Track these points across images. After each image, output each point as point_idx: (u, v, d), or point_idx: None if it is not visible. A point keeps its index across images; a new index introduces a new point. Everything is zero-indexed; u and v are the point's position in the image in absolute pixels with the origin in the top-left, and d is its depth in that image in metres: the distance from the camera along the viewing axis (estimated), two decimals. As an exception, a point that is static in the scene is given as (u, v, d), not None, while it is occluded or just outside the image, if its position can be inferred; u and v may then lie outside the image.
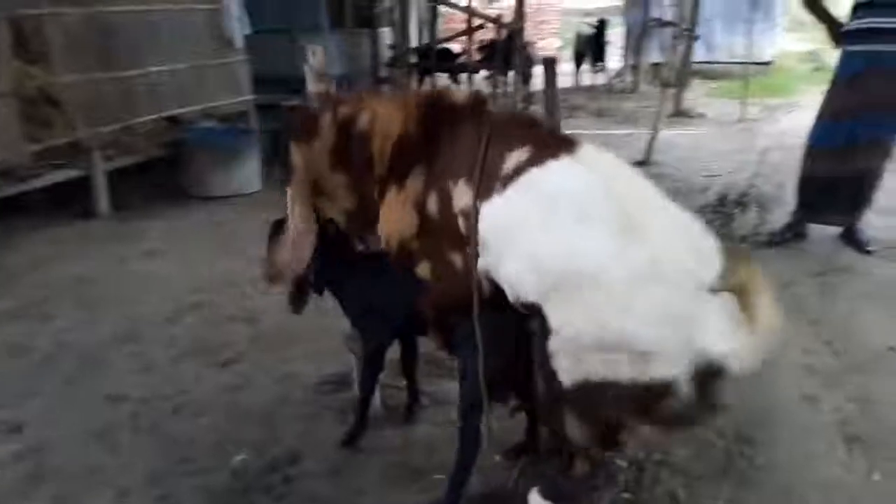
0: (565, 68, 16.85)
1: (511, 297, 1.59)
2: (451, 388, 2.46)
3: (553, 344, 1.48)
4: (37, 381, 2.71)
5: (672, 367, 1.35)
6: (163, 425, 2.39)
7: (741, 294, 1.33)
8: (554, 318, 1.47)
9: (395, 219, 1.82)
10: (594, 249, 1.41)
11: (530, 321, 1.59)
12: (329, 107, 1.94)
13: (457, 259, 1.73)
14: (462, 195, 1.66)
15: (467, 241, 1.66)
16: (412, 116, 1.81)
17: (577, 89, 12.19)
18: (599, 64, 12.51)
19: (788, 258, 3.70)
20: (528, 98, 9.54)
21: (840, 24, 3.68)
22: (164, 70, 5.76)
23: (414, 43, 11.00)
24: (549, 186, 1.50)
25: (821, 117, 3.75)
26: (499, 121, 1.72)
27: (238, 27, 6.60)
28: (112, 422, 2.42)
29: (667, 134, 6.76)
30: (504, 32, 10.50)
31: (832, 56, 3.93)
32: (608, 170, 1.55)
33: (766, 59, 11.39)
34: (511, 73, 11.46)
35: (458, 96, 1.87)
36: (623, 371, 1.38)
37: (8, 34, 4.26)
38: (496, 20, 10.21)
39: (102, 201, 5.12)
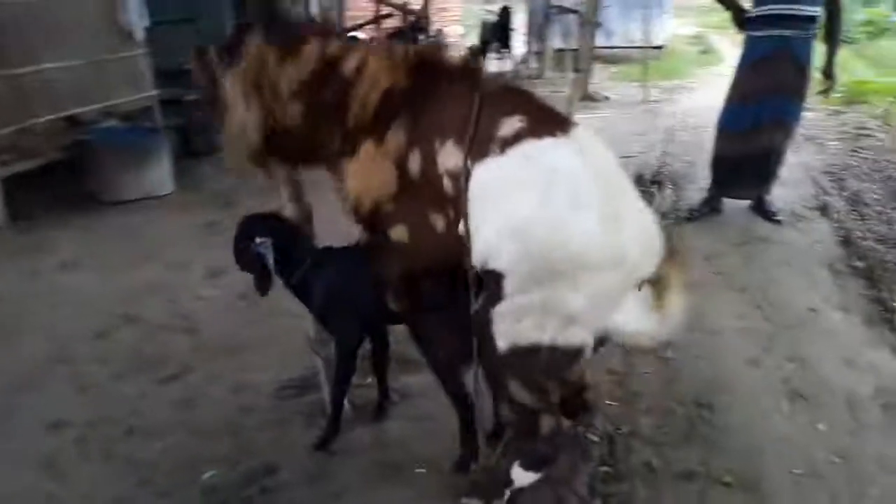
0: (470, 55, 17.03)
1: (475, 260, 1.61)
2: (418, 382, 2.49)
3: (500, 308, 1.55)
4: (-43, 416, 2.47)
5: (587, 337, 1.55)
6: (116, 449, 2.24)
7: (659, 286, 1.53)
8: (511, 285, 1.53)
9: (370, 175, 1.71)
10: (582, 234, 1.47)
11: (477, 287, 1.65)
12: (319, 38, 1.79)
13: (438, 221, 1.68)
14: (450, 155, 1.61)
15: (451, 203, 1.63)
16: (402, 70, 1.73)
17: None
18: (505, 51, 12.72)
19: (709, 231, 3.94)
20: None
21: (744, 10, 3.93)
22: (59, 66, 5.33)
23: (320, 32, 10.72)
24: (548, 162, 1.51)
25: (729, 101, 3.99)
26: (491, 86, 1.68)
27: (137, 19, 6.21)
28: (58, 450, 2.24)
29: (577, 118, 6.99)
30: (409, 20, 10.50)
31: (717, 40, 4.19)
32: (599, 154, 1.59)
33: (659, 43, 11.98)
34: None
35: (450, 57, 1.79)
36: (547, 335, 1.53)
37: None
38: (404, 8, 10.18)
39: (1, 211, 4.69)
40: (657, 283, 1.53)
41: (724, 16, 4.16)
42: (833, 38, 3.78)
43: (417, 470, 2.07)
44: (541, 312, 1.53)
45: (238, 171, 1.93)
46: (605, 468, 2.03)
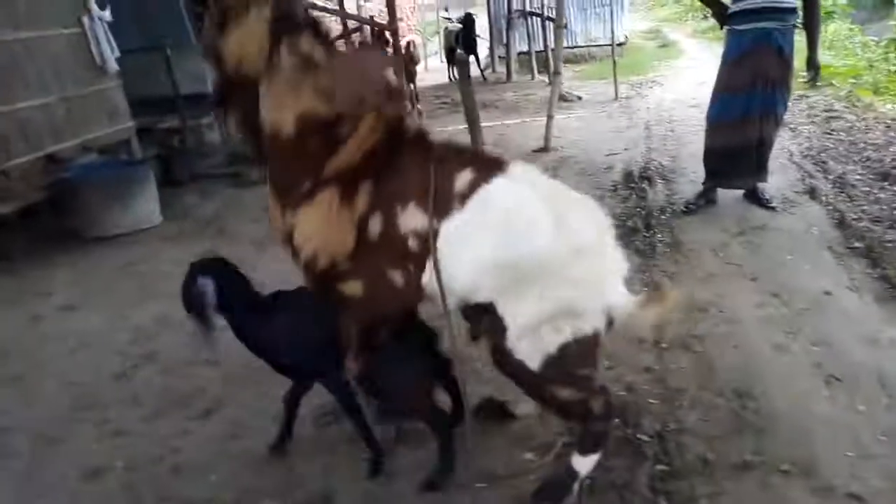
0: (435, 64, 17.14)
1: (458, 301, 1.83)
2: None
3: (511, 336, 1.76)
4: (-14, 476, 2.38)
5: (596, 319, 1.76)
6: (168, 490, 2.20)
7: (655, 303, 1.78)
8: (509, 311, 1.75)
9: (330, 233, 1.78)
10: (540, 245, 1.69)
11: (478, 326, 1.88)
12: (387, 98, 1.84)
13: (396, 276, 1.81)
14: (412, 217, 1.76)
15: (414, 259, 1.79)
16: (381, 134, 1.81)
17: (453, 85, 12.44)
18: (471, 57, 12.83)
19: (709, 223, 4.03)
20: (415, 97, 9.60)
21: (725, 6, 4.05)
22: (34, 105, 5.20)
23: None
24: (500, 199, 1.73)
25: (717, 92, 4.09)
26: (439, 149, 1.85)
27: (108, 50, 6.09)
28: (105, 498, 2.19)
29: (555, 119, 7.08)
30: (376, 34, 10.50)
31: (672, 33, 4.27)
32: (534, 180, 1.82)
33: (620, 40, 12.20)
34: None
35: (409, 127, 1.89)
36: (567, 332, 1.74)
37: None
38: (371, 22, 10.17)
39: (-16, 256, 4.55)
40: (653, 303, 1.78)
41: (676, 9, 4.25)
42: (812, 27, 3.91)
43: (478, 485, 2.08)
44: (550, 319, 1.73)
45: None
46: (661, 467, 2.07)
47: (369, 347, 1.95)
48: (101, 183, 5.13)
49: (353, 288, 1.83)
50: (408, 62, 9.24)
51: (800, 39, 3.91)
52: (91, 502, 2.19)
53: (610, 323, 1.80)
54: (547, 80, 10.74)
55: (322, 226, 1.77)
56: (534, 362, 1.76)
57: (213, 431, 2.49)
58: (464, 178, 1.75)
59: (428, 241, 1.75)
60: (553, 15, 9.60)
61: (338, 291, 1.85)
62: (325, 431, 2.44)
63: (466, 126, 4.55)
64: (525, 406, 2.31)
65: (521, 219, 1.71)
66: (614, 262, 1.79)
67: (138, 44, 7.25)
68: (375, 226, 1.77)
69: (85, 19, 5.85)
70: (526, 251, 1.69)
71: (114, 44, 6.27)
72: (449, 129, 8.24)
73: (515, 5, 12.36)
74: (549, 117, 6.65)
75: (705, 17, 19.46)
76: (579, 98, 9.17)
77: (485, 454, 2.20)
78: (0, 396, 2.91)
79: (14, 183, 4.99)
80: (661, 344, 2.74)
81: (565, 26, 9.87)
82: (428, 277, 1.80)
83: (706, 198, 4.29)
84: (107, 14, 6.09)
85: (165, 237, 5.02)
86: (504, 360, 1.80)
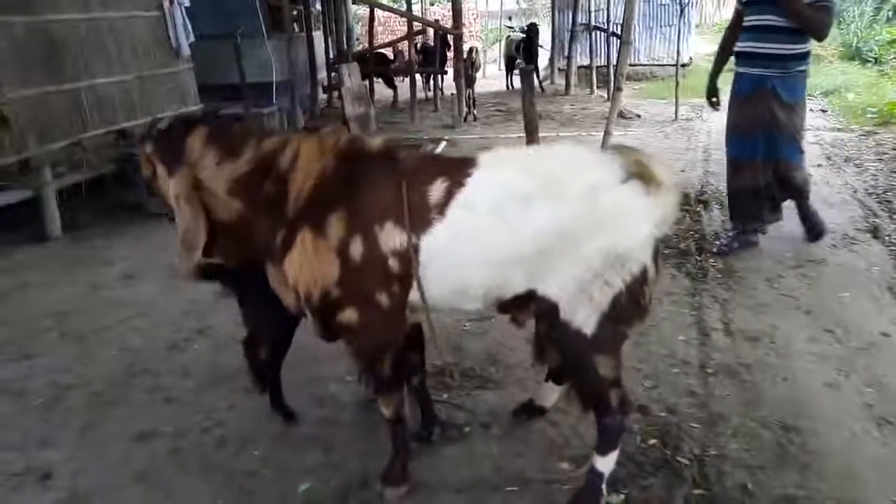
0: (493, 71, 17.19)
1: (486, 303, 1.85)
2: (500, 401, 2.52)
3: (565, 309, 1.74)
4: (47, 427, 2.51)
5: (642, 256, 1.73)
6: (211, 460, 2.28)
7: (642, 174, 1.72)
8: (552, 290, 1.75)
9: (316, 268, 1.79)
10: (546, 214, 1.67)
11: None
12: (254, 136, 1.91)
13: (383, 298, 1.82)
14: (391, 236, 1.76)
15: (397, 279, 1.80)
16: (331, 157, 1.84)
17: (510, 93, 12.47)
18: (530, 67, 12.84)
19: (765, 253, 3.95)
20: (472, 102, 9.67)
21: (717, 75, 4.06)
22: (111, 81, 5.45)
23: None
24: (485, 196, 1.72)
25: (731, 130, 3.96)
26: (408, 163, 1.84)
27: (184, 35, 6.34)
28: (152, 461, 2.29)
29: (612, 136, 7.02)
30: (438, 37, 10.63)
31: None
32: (505, 159, 1.85)
33: (685, 60, 12.04)
34: (446, 76, 11.61)
35: (370, 143, 1.90)
36: (618, 281, 1.71)
37: (-49, 46, 3.91)
38: (436, 25, 10.30)
39: (55, 223, 4.79)
40: (641, 175, 1.72)
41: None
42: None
43: (508, 489, 2.10)
44: (595, 276, 1.71)
45: (190, 275, 1.98)
46: (699, 491, 2.05)
47: (377, 374, 1.97)
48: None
49: (349, 316, 1.84)
50: (468, 68, 9.31)
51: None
52: (140, 463, 2.28)
53: (656, 254, 1.77)
54: (606, 95, 10.68)
55: (304, 262, 1.80)
56: (589, 327, 1.74)
57: (258, 408, 2.56)
58: (437, 187, 1.76)
59: (410, 259, 1.76)
60: (618, 31, 9.55)
61: (337, 323, 1.87)
62: (368, 417, 2.49)
63: (522, 135, 4.57)
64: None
65: (514, 200, 1.69)
66: (630, 189, 1.70)
67: (211, 31, 7.52)
68: (357, 249, 1.77)
69: (165, 3, 6.09)
70: (536, 228, 1.67)
71: (189, 29, 6.52)
72: (502, 136, 8.27)
73: (581, 19, 12.32)
74: (607, 133, 6.58)
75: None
76: (638, 116, 9.09)
77: (519, 458, 2.22)
78: (64, 354, 3.06)
79: (87, 154, 5.24)
80: (707, 369, 2.71)
81: (631, 43, 9.83)
82: (415, 293, 1.82)
83: (740, 241, 4.00)
84: (185, 0, 6.34)
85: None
86: (563, 336, 1.78)
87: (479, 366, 2.80)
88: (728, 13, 28.25)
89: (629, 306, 1.76)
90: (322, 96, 10.66)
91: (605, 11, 11.39)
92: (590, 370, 1.83)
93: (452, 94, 9.40)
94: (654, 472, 2.14)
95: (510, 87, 12.95)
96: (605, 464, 1.95)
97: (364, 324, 1.85)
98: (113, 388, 2.76)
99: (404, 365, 2.10)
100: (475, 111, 9.62)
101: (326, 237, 1.77)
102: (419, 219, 1.75)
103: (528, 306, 1.86)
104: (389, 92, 11.46)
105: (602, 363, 1.81)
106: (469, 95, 9.50)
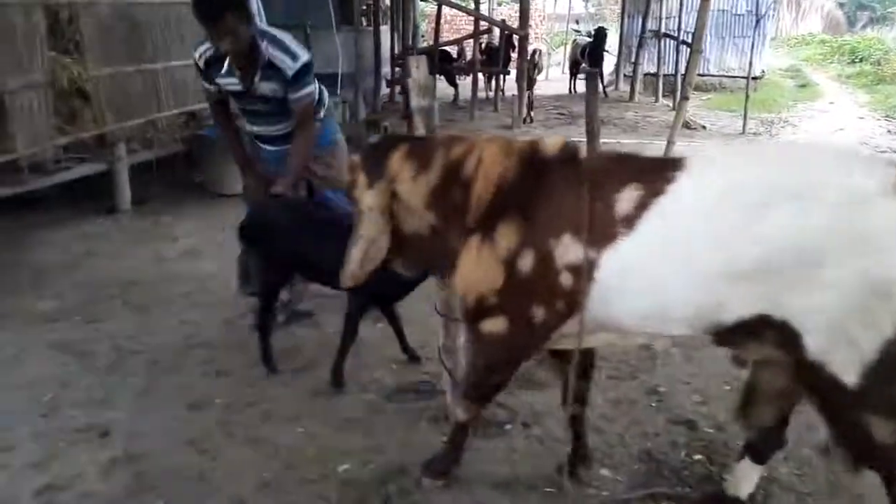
0: (556, 74, 17.06)
1: (698, 326, 1.57)
2: (543, 401, 2.51)
3: (814, 344, 1.44)
4: (108, 389, 2.63)
5: None
6: (257, 432, 2.35)
7: None
8: (796, 316, 1.44)
9: (480, 275, 1.72)
10: (792, 223, 1.41)
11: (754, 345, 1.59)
12: (442, 144, 1.86)
13: (538, 312, 1.70)
14: (567, 250, 1.62)
15: (565, 295, 1.65)
16: (512, 165, 1.74)
17: (573, 97, 12.35)
18: (595, 71, 12.68)
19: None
20: (531, 104, 9.63)
21: None
22: (186, 65, 5.64)
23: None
24: (691, 206, 1.52)
25: None
26: (592, 166, 1.68)
27: (257, 20, 6.50)
28: (203, 429, 2.37)
29: (675, 146, 6.88)
30: (503, 37, 10.60)
31: (814, 74, 3.97)
32: (730, 158, 1.63)
33: (757, 73, 11.68)
34: (509, 76, 11.58)
35: (550, 147, 1.75)
36: (885, 323, 1.37)
37: (43, 22, 4.12)
38: (502, 25, 10.29)
39: (124, 196, 5.01)
40: None
41: (820, 49, 3.96)
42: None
43: (546, 489, 2.09)
44: (854, 308, 1.39)
45: (356, 282, 1.96)
46: (744, 511, 1.99)
47: (486, 385, 1.92)
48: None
49: (495, 324, 1.76)
50: (530, 69, 9.27)
51: None
52: (191, 430, 2.37)
53: None
54: (671, 104, 10.47)
55: (468, 266, 1.74)
56: (852, 376, 1.43)
57: (304, 387, 2.63)
58: (628, 196, 1.57)
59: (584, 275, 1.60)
60: (689, 39, 9.34)
61: (480, 328, 1.80)
62: (407, 407, 2.52)
63: (581, 139, 4.52)
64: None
65: (743, 207, 1.45)
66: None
67: (282, 20, 7.68)
68: (526, 262, 1.66)
69: (242, -8, 6.26)
70: (770, 238, 1.42)
71: (263, 15, 6.69)
72: (563, 140, 8.20)
73: (650, 25, 12.10)
74: (670, 143, 6.44)
75: (853, 62, 18.29)
76: (703, 127, 8.87)
77: (559, 461, 2.21)
78: (129, 322, 3.21)
79: (159, 133, 5.46)
80: (760, 388, 2.62)
81: (701, 52, 9.60)
82: (589, 313, 1.65)
83: None
84: (261, -11, 6.50)
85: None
86: (813, 380, 1.50)
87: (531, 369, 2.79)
88: (807, 27, 27.28)
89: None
90: (384, 90, 10.81)
91: (677, 19, 11.14)
92: (859, 432, 1.50)
93: (513, 94, 9.38)
94: (696, 486, 2.10)
95: (573, 91, 12.81)
96: None
97: (507, 336, 1.76)
98: (170, 357, 2.88)
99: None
100: (532, 113, 9.57)
101: (495, 244, 1.69)
102: (602, 231, 1.58)
103: (757, 336, 1.55)
104: (450, 90, 11.52)
105: (877, 425, 1.47)
106: (529, 97, 9.46)
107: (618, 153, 1.77)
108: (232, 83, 2.80)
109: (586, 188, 1.60)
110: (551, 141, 1.76)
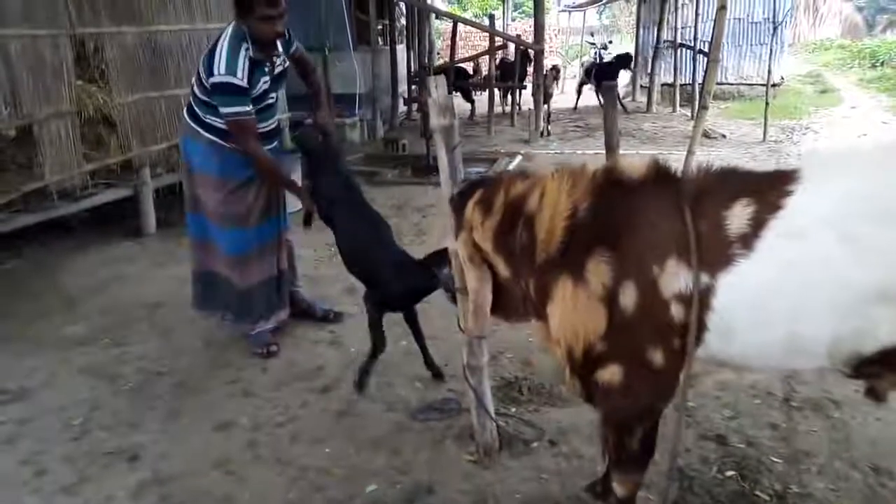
0: (572, 87, 17.07)
1: (838, 359, 1.40)
2: (569, 418, 2.49)
3: None
4: (136, 411, 2.66)
5: None
6: (285, 453, 2.36)
7: None
8: None
9: (577, 321, 1.55)
10: None
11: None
12: (505, 183, 1.75)
13: (656, 356, 1.52)
14: (674, 277, 1.45)
15: (678, 330, 1.48)
16: (586, 194, 1.58)
17: (586, 109, 12.33)
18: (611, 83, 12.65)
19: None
20: (547, 117, 9.64)
21: None
22: (208, 89, 5.76)
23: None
24: (824, 215, 1.34)
25: None
26: (693, 185, 1.51)
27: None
28: (230, 451, 2.39)
29: (695, 155, 6.84)
30: (519, 52, 10.65)
31: (834, 79, 3.89)
32: (854, 164, 1.45)
33: (776, 80, 11.58)
34: (525, 91, 11.61)
35: (636, 169, 1.58)
36: None
37: (71, 52, 4.23)
38: (518, 40, 10.35)
39: (149, 220, 5.09)
40: None
41: (840, 54, 3.87)
42: None
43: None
44: None
45: (472, 333, 2.01)
46: (778, 527, 1.95)
47: (626, 446, 1.69)
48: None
49: (611, 374, 1.58)
50: (548, 85, 9.29)
51: None
52: (219, 450, 2.39)
53: None
54: (689, 114, 10.41)
55: (564, 315, 1.59)
56: None
57: (329, 407, 2.63)
58: (739, 213, 1.41)
59: (695, 306, 1.43)
60: (705, 48, 9.30)
61: (597, 381, 1.61)
62: (434, 425, 2.51)
63: (599, 151, 4.50)
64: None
65: (883, 219, 1.30)
66: None
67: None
68: (628, 297, 1.49)
69: (261, 17, 6.38)
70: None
71: (282, 41, 6.80)
72: (579, 152, 8.20)
73: (666, 35, 12.08)
74: (690, 153, 6.39)
75: (873, 66, 18.06)
76: (723, 136, 8.79)
77: (586, 480, 2.18)
78: (155, 344, 3.25)
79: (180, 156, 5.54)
80: (792, 402, 2.58)
81: (719, 61, 9.56)
82: (708, 348, 1.49)
83: None
84: (280, 13, 6.62)
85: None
86: None
87: (548, 382, 2.77)
88: (824, 32, 27.03)
89: None
90: (402, 108, 10.90)
91: (692, 29, 11.10)
92: None
93: (529, 109, 9.39)
94: (730, 503, 2.06)
95: (576, 109, 12.62)
96: None
97: (627, 384, 1.57)
98: (197, 378, 2.90)
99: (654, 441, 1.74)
100: (549, 127, 9.57)
101: (587, 284, 1.52)
102: (714, 254, 1.41)
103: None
104: (467, 105, 11.57)
105: None
106: (546, 110, 9.47)
107: (718, 167, 1.57)
108: (264, 80, 2.97)
109: (687, 206, 1.45)
110: (634, 162, 1.61)
